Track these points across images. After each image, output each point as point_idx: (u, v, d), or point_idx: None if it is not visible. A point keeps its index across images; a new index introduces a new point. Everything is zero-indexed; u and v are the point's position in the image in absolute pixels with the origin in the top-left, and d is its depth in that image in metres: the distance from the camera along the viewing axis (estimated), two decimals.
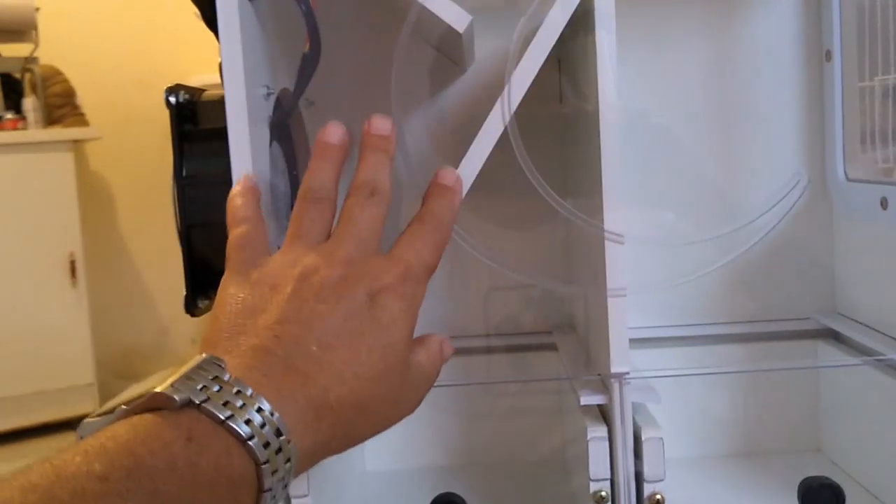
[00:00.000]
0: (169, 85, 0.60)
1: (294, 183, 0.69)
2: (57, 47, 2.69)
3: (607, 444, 0.54)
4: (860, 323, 0.70)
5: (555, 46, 0.51)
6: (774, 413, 0.74)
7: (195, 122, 0.60)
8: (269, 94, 0.59)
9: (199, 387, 0.34)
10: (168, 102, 0.58)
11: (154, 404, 0.34)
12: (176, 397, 0.33)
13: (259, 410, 0.34)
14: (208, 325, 0.42)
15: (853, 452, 0.69)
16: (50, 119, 2.64)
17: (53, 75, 2.68)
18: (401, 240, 0.46)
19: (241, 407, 0.34)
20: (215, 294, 0.44)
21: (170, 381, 0.34)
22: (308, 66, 0.59)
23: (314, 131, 0.72)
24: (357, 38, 0.74)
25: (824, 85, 0.72)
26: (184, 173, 0.58)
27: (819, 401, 0.74)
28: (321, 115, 0.70)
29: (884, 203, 0.64)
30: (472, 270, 0.76)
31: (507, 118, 0.51)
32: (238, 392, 0.35)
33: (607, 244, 0.53)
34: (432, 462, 0.77)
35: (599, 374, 0.58)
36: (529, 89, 0.51)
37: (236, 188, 0.48)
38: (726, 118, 0.74)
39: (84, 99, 2.73)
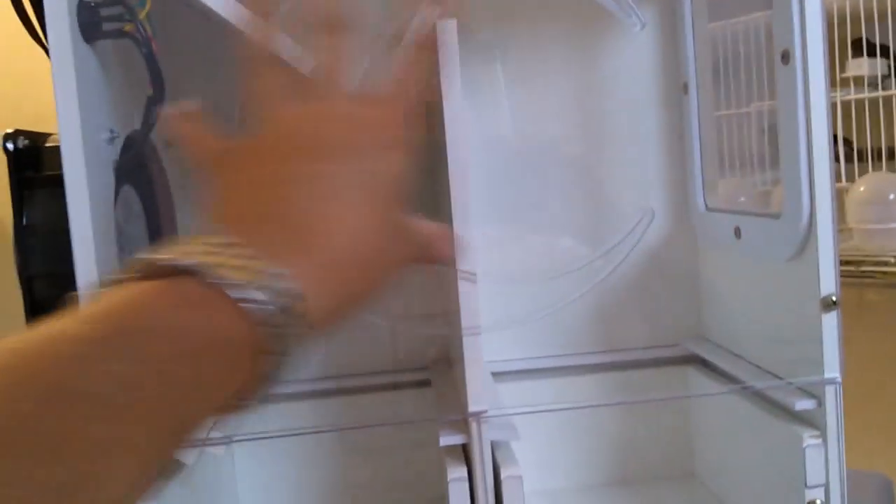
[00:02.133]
0: (6, 131, 0.57)
1: (152, 226, 0.67)
2: None
3: (467, 484, 0.53)
4: (725, 348, 0.71)
5: None
6: (647, 440, 0.75)
7: (37, 168, 0.58)
8: (113, 138, 0.57)
9: (200, 251, 0.33)
10: (6, 149, 0.56)
11: (153, 271, 0.32)
12: (179, 263, 0.32)
13: (268, 274, 0.33)
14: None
15: (724, 477, 0.70)
16: None
17: None
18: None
19: (243, 269, 0.33)
20: None
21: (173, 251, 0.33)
22: (153, 108, 0.58)
23: (175, 172, 0.70)
24: (216, 75, 0.73)
25: (683, 117, 0.74)
26: (24, 222, 0.56)
27: (689, 426, 0.75)
28: (182, 155, 0.69)
29: (737, 232, 0.65)
30: None
31: None
32: (240, 254, 0.33)
33: (461, 282, 0.53)
34: None
35: (461, 415, 0.57)
36: None
37: None
38: (590, 151, 0.74)
39: None
